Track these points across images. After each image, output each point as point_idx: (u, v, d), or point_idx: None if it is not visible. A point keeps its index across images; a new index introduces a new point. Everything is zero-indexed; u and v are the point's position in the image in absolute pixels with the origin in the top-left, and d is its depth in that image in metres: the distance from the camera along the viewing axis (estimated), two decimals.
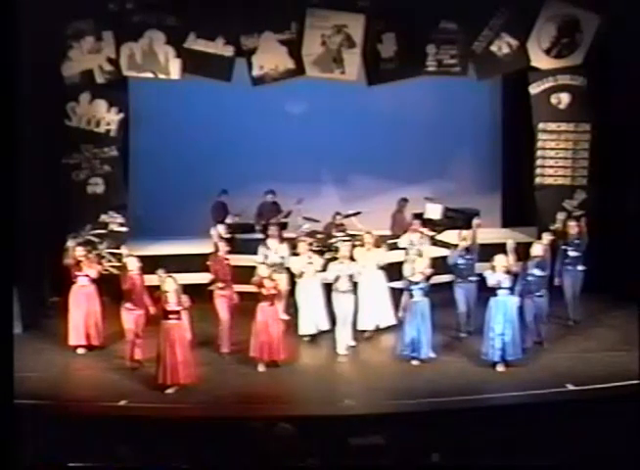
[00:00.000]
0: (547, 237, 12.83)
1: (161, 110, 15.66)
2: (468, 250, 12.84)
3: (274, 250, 13.20)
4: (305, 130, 16.34)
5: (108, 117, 14.39)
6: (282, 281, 12.70)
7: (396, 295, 13.30)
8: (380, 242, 13.15)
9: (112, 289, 12.65)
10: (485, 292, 11.97)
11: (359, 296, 12.64)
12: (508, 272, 11.69)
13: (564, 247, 13.29)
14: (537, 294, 12.26)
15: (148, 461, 8.96)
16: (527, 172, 15.28)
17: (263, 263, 12.34)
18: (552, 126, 14.91)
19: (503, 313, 11.64)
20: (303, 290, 12.84)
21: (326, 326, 12.87)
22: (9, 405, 7.95)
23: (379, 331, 13.09)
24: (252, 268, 12.18)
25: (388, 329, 13.09)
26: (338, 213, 14.76)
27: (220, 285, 12.51)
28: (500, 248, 12.22)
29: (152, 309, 11.86)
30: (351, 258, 12.55)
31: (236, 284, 12.62)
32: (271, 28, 14.25)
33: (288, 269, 13.15)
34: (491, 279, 11.70)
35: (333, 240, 14.06)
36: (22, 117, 11.59)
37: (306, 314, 12.85)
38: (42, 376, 11.63)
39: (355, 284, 12.51)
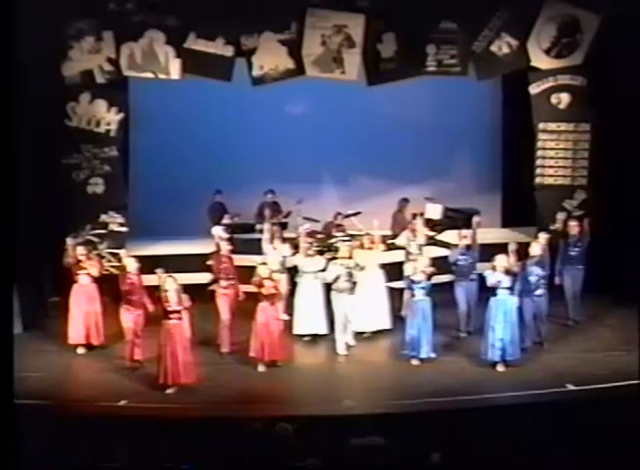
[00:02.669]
0: (544, 236, 12.82)
1: (161, 110, 15.65)
2: (468, 248, 12.85)
3: (277, 250, 13.19)
4: (305, 130, 16.34)
5: (108, 117, 14.39)
6: (282, 281, 12.70)
7: (396, 295, 13.33)
8: (379, 242, 13.15)
9: (112, 289, 12.65)
10: (486, 292, 11.99)
11: (358, 296, 12.62)
12: (508, 272, 11.69)
13: (564, 246, 13.30)
14: (536, 293, 12.27)
15: (148, 461, 8.96)
16: (527, 172, 15.27)
17: (264, 263, 12.34)
18: (552, 126, 14.91)
19: (503, 313, 11.65)
20: (302, 290, 12.84)
21: (324, 330, 12.87)
22: (9, 405, 7.95)
23: (377, 332, 13.08)
24: (252, 268, 12.19)
25: (387, 330, 13.09)
26: (338, 213, 14.77)
27: (223, 284, 12.52)
28: (500, 248, 12.23)
29: (150, 307, 11.89)
30: (351, 259, 12.55)
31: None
32: (271, 28, 14.25)
33: (288, 269, 13.16)
34: (491, 279, 11.70)
35: (333, 240, 14.06)
36: (23, 117, 11.60)
37: (302, 314, 12.85)
38: (42, 376, 11.64)
39: (355, 284, 12.51)
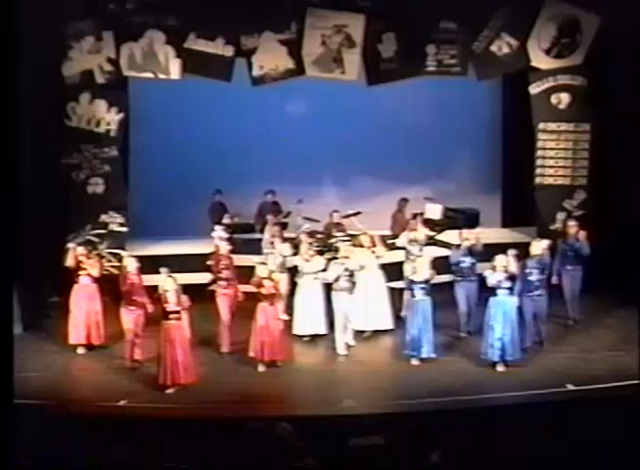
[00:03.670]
0: (546, 242, 12.73)
1: (161, 110, 15.65)
2: (470, 250, 12.82)
3: (277, 250, 13.19)
4: (305, 130, 16.33)
5: (108, 117, 14.39)
6: (282, 281, 12.69)
7: (396, 295, 13.33)
8: (379, 242, 13.14)
9: (112, 289, 12.65)
10: (486, 291, 11.98)
11: (358, 296, 12.63)
12: (508, 273, 11.69)
13: (563, 246, 13.28)
14: (537, 293, 12.28)
15: (148, 461, 8.96)
16: (527, 172, 15.27)
17: (263, 263, 12.34)
18: (552, 126, 14.92)
19: (503, 313, 11.65)
20: (302, 290, 12.85)
21: (323, 330, 12.87)
22: (9, 405, 7.95)
23: (378, 331, 13.09)
24: (252, 268, 12.19)
25: (387, 330, 13.09)
26: (335, 211, 14.74)
27: (223, 284, 12.52)
28: (500, 248, 12.24)
29: (150, 307, 11.88)
30: (351, 259, 12.55)
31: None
32: (271, 28, 14.25)
33: (289, 269, 13.16)
34: (491, 279, 11.71)
35: (333, 240, 14.05)
36: (23, 116, 11.59)
37: (302, 315, 12.85)
38: (43, 376, 11.64)
39: (355, 283, 12.51)
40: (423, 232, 13.70)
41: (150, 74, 14.30)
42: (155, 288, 11.62)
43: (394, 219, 15.09)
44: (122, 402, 10.86)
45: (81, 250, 12.68)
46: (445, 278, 13.15)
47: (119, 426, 9.91)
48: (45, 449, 8.91)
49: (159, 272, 11.84)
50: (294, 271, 13.08)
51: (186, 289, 11.47)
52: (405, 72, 14.65)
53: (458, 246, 13.03)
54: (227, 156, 16.01)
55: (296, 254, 13.11)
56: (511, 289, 11.76)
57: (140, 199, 15.26)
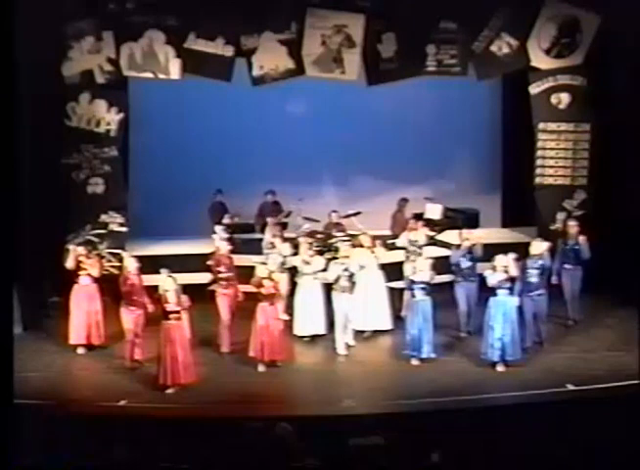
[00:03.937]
0: (546, 243, 12.70)
1: (161, 110, 15.66)
2: (470, 250, 12.82)
3: (277, 250, 13.19)
4: (305, 130, 16.34)
5: (108, 117, 14.38)
6: (282, 281, 12.69)
7: (396, 295, 13.33)
8: (378, 242, 13.14)
9: (112, 289, 12.65)
10: (486, 292, 11.98)
11: (358, 296, 12.63)
12: (508, 273, 11.68)
13: (563, 247, 13.28)
14: (537, 293, 12.28)
15: (148, 461, 8.96)
16: (527, 172, 15.27)
17: (263, 263, 12.34)
18: (552, 126, 14.91)
19: (503, 313, 11.65)
20: (302, 290, 12.85)
21: (323, 330, 12.87)
22: (9, 405, 7.96)
23: (378, 331, 13.09)
24: (252, 268, 12.19)
25: (387, 330, 13.09)
26: (334, 211, 14.74)
27: (223, 284, 12.52)
28: (500, 248, 12.23)
29: (150, 307, 11.87)
30: (351, 259, 12.55)
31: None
32: (271, 28, 14.26)
33: (289, 269, 13.16)
34: (491, 279, 11.70)
35: (333, 240, 14.05)
36: (23, 116, 11.59)
37: (302, 315, 12.85)
38: (43, 376, 11.64)
39: (354, 283, 12.51)
40: (423, 232, 13.69)
41: (150, 74, 14.30)
42: (155, 288, 11.62)
43: (394, 219, 15.08)
44: (122, 402, 10.86)
45: (81, 250, 12.68)
46: (445, 278, 13.16)
47: (119, 426, 9.91)
48: (45, 449, 8.92)
49: (159, 272, 11.84)
50: (294, 271, 13.08)
51: (186, 289, 11.47)
52: (405, 72, 14.65)
53: (458, 246, 13.04)
54: (227, 156, 16.02)
55: (296, 254, 13.11)
56: (511, 289, 11.76)
57: (140, 199, 15.26)
